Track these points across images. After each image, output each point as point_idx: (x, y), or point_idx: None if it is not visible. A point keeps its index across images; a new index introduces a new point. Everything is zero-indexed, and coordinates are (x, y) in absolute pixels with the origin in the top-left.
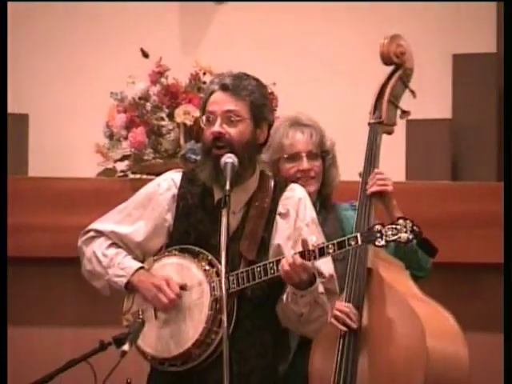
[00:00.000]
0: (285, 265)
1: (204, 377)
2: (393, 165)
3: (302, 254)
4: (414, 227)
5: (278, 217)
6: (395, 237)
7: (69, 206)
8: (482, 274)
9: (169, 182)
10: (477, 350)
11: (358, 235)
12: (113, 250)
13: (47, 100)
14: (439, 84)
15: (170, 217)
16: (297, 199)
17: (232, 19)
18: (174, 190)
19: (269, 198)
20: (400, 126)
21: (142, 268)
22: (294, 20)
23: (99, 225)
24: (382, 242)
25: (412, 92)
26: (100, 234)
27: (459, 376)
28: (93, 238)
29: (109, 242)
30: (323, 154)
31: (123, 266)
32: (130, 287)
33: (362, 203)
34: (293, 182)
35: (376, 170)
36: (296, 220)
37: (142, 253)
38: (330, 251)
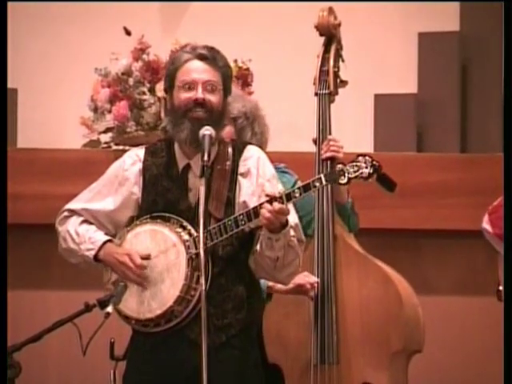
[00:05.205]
0: (265, 213)
1: (186, 333)
2: (361, 137)
3: (270, 202)
4: (374, 162)
5: (239, 177)
6: (357, 173)
7: (56, 176)
8: (444, 239)
9: (133, 157)
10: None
11: (322, 176)
12: (84, 227)
13: (36, 75)
14: (405, 61)
15: (137, 190)
16: (256, 158)
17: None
18: (139, 164)
19: (229, 161)
20: (369, 100)
21: (109, 241)
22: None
23: (72, 204)
24: (345, 180)
25: (343, 61)
26: (73, 212)
27: (421, 330)
28: (66, 217)
29: (81, 218)
30: (233, 119)
31: (93, 239)
32: (99, 260)
33: (318, 170)
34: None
35: (329, 137)
36: (257, 177)
37: (114, 226)
38: (297, 195)
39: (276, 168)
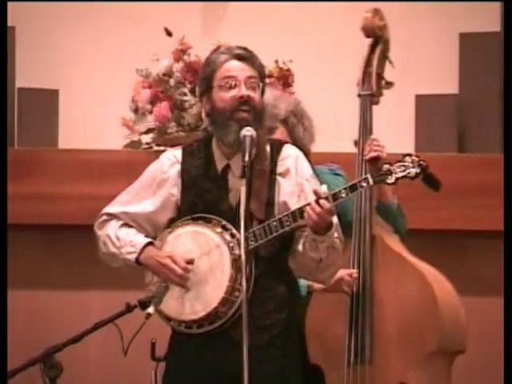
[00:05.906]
0: (312, 214)
1: (229, 334)
2: (403, 137)
3: (317, 202)
4: (421, 162)
5: (278, 177)
6: (404, 173)
7: (97, 177)
8: (482, 240)
9: (171, 158)
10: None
11: (369, 176)
12: (124, 230)
13: (77, 76)
14: (447, 61)
15: (176, 191)
16: (294, 157)
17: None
18: (178, 166)
19: (267, 161)
20: (410, 101)
21: (150, 244)
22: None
23: (110, 208)
24: (393, 180)
25: (391, 62)
26: (112, 216)
27: (461, 330)
28: (105, 221)
29: (120, 222)
30: (283, 121)
31: (134, 243)
32: (141, 263)
33: (360, 170)
34: None
35: (372, 137)
36: (296, 177)
37: (153, 228)
38: (343, 195)
39: (329, 169)
